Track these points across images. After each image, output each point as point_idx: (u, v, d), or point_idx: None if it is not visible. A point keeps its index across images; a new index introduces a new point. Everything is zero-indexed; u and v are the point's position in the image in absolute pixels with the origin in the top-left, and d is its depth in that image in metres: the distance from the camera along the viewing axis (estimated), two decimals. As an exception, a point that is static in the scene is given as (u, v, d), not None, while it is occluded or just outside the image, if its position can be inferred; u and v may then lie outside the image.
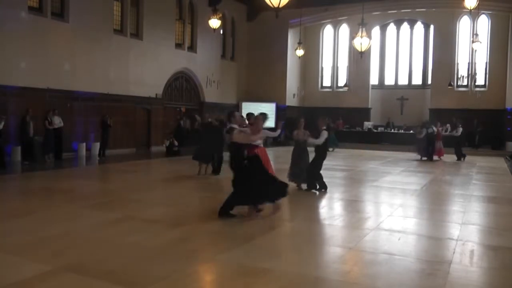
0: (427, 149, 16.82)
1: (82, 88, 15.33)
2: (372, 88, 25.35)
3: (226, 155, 10.31)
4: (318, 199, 8.45)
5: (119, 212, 6.82)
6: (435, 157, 16.83)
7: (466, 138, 21.34)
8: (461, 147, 17.24)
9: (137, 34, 17.92)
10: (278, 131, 8.29)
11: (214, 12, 16.32)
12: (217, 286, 4.23)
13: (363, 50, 16.80)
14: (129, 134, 17.51)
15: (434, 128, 16.86)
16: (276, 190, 6.56)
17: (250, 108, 22.39)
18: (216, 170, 11.05)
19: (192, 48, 21.00)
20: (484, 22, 22.82)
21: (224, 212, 6.48)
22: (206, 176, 10.86)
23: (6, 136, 12.61)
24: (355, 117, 24.37)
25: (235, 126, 7.85)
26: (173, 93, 20.14)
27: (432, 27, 23.88)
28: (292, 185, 8.40)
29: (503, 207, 8.14)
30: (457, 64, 23.57)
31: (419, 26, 24.75)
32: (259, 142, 7.30)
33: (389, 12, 23.26)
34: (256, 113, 7.49)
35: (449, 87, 22.74)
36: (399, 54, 25.28)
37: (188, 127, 18.92)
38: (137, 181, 10.77)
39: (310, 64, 26.19)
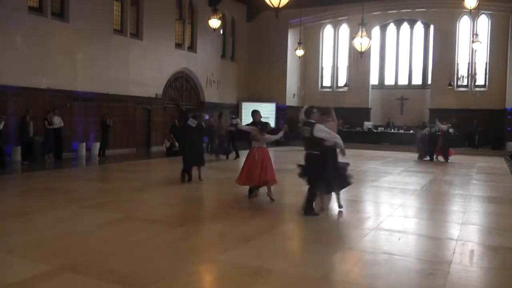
0: (428, 149, 16.75)
1: (82, 88, 15.33)
2: (372, 88, 25.34)
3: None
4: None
5: (119, 212, 6.82)
6: (438, 158, 16.49)
7: (466, 138, 21.41)
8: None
9: (137, 34, 17.92)
10: (281, 133, 8.21)
11: (214, 12, 16.33)
12: (217, 286, 4.22)
13: (363, 50, 16.80)
14: (129, 134, 17.52)
15: (439, 127, 16.44)
16: (341, 181, 7.03)
17: (250, 108, 22.42)
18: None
19: (192, 48, 21.01)
20: (484, 22, 22.81)
21: (308, 208, 6.70)
22: (207, 177, 10.74)
23: (6, 136, 12.61)
24: (355, 117, 24.36)
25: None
26: (173, 93, 20.14)
27: (432, 27, 23.87)
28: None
29: (503, 207, 8.14)
30: (457, 64, 23.56)
31: (419, 26, 24.74)
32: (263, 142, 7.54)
33: (389, 12, 23.24)
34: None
35: (449, 87, 22.73)
36: (399, 54, 25.26)
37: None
38: (137, 181, 10.75)
39: (310, 64, 26.18)
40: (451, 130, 17.00)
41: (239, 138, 14.20)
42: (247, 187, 8.05)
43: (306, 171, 6.83)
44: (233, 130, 14.32)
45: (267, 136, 7.88)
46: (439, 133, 16.47)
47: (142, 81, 17.78)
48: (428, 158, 16.68)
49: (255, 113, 8.55)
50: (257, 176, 7.62)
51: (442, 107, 22.24)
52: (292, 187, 8.92)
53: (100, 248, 5.01)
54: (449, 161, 16.22)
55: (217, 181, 10.56)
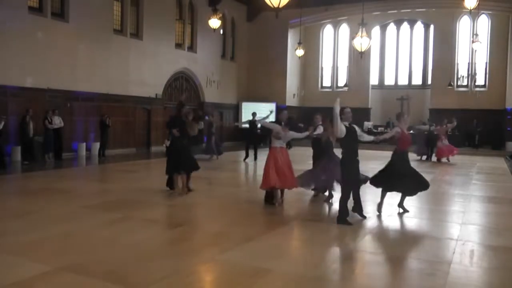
0: (426, 148, 16.70)
1: (82, 88, 15.33)
2: (372, 88, 25.33)
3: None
4: (317, 199, 8.44)
5: (119, 212, 6.82)
6: (441, 158, 16.20)
7: (466, 138, 21.40)
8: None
9: (137, 34, 17.92)
10: (305, 134, 7.98)
11: (214, 12, 16.31)
12: (217, 286, 4.23)
13: (363, 50, 16.77)
14: (129, 134, 17.52)
15: (438, 131, 16.16)
16: (420, 185, 7.14)
17: (250, 108, 22.42)
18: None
19: (192, 48, 21.01)
20: (484, 22, 22.81)
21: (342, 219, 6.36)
22: (206, 177, 10.76)
23: (6, 136, 12.60)
24: (355, 117, 23.96)
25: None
26: (173, 93, 20.14)
27: (432, 27, 23.87)
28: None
29: (503, 207, 8.14)
30: (457, 64, 23.55)
31: (419, 26, 24.73)
32: (281, 143, 7.38)
33: (389, 12, 23.24)
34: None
35: (449, 87, 22.73)
36: (399, 54, 25.25)
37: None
38: (137, 181, 10.76)
39: (310, 64, 26.17)
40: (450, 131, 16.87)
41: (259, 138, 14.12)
42: (246, 188, 8.04)
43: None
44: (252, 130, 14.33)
45: (291, 133, 7.57)
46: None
47: (142, 81, 17.78)
48: (425, 157, 16.65)
49: (281, 113, 8.09)
50: (290, 178, 7.25)
51: (442, 107, 22.23)
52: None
53: (100, 248, 5.02)
54: (434, 159, 16.22)
55: (216, 182, 10.55)
